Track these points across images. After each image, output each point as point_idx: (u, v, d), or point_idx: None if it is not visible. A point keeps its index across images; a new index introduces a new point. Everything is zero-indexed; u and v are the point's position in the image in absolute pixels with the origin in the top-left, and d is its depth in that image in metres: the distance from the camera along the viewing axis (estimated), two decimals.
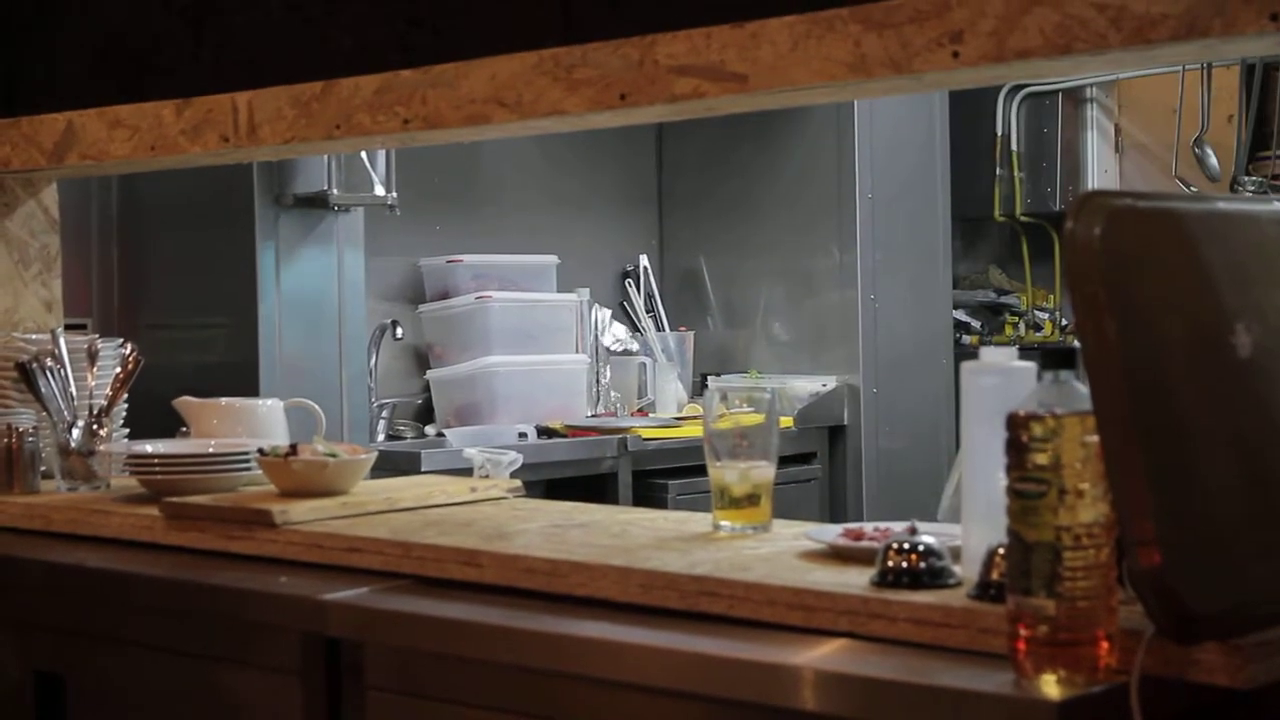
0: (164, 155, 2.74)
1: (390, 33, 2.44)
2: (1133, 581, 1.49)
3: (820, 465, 5.06)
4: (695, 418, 4.82)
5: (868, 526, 2.02)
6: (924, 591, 1.75)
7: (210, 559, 2.37)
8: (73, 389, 2.79)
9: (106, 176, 4.33)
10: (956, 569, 1.80)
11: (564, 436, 4.65)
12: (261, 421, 2.84)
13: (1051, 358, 1.56)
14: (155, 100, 2.74)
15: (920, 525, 1.89)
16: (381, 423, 4.70)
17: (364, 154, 4.38)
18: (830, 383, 5.09)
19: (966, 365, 1.86)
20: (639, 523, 2.30)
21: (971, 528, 1.81)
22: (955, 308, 5.58)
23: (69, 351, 2.83)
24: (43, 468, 2.81)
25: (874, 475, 5.10)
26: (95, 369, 2.85)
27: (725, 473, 2.18)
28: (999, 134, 5.81)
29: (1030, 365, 1.71)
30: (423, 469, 4.04)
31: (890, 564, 1.79)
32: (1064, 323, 5.79)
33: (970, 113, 5.62)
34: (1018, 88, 5.71)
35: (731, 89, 2.05)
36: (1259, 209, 1.82)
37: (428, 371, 4.94)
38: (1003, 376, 1.78)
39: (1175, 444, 1.52)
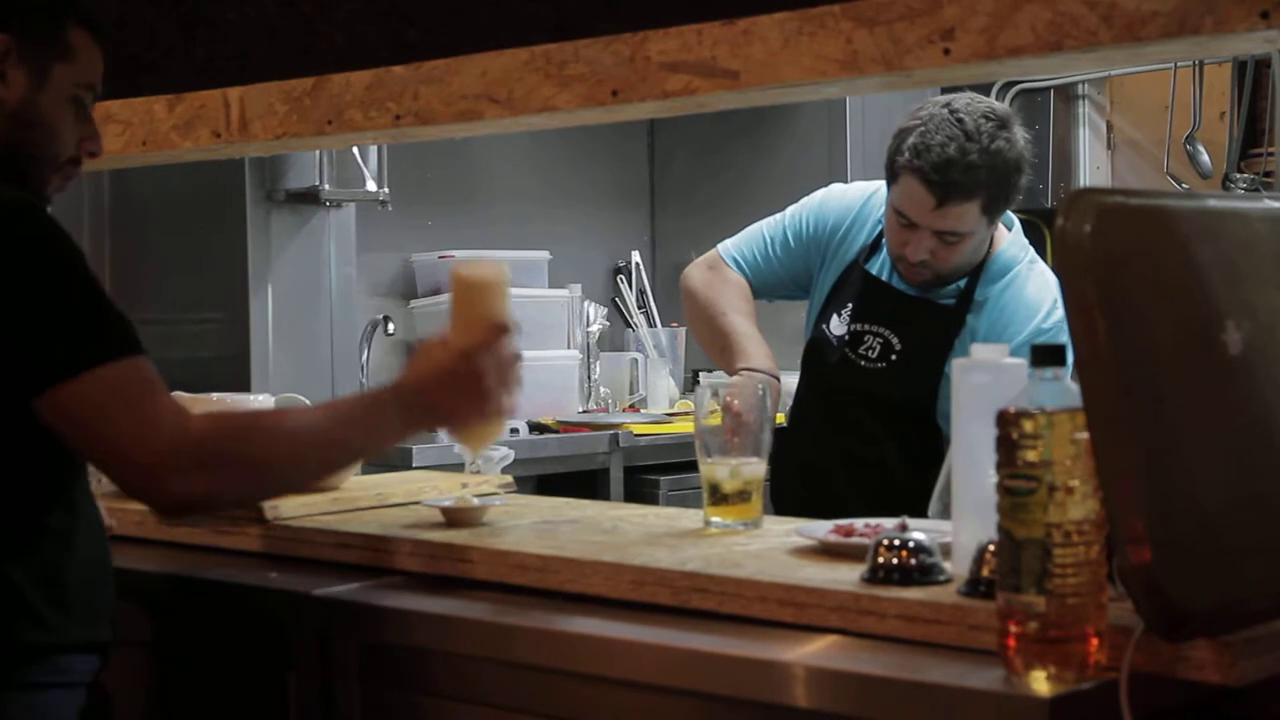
0: (155, 150, 2.73)
1: (383, 29, 2.44)
2: (1123, 578, 1.49)
3: None
4: (686, 414, 4.82)
5: (858, 523, 2.03)
6: (914, 588, 1.75)
7: (201, 554, 2.37)
8: None
9: (98, 172, 4.31)
10: (947, 565, 1.80)
11: (555, 432, 4.64)
12: None
13: (1042, 355, 1.56)
14: (147, 95, 2.73)
15: (911, 522, 1.89)
16: None
17: (355, 150, 4.37)
18: None
19: (958, 362, 1.86)
20: (630, 519, 2.30)
21: (962, 524, 1.82)
22: None
23: None
24: None
25: None
26: None
27: (716, 469, 2.18)
28: None
29: (1021, 362, 1.71)
30: (414, 465, 4.03)
31: (881, 560, 1.79)
32: None
33: None
34: (1009, 84, 5.70)
35: (723, 86, 2.05)
36: (1250, 206, 1.82)
37: None
38: (994, 373, 1.78)
39: (1165, 441, 1.52)
